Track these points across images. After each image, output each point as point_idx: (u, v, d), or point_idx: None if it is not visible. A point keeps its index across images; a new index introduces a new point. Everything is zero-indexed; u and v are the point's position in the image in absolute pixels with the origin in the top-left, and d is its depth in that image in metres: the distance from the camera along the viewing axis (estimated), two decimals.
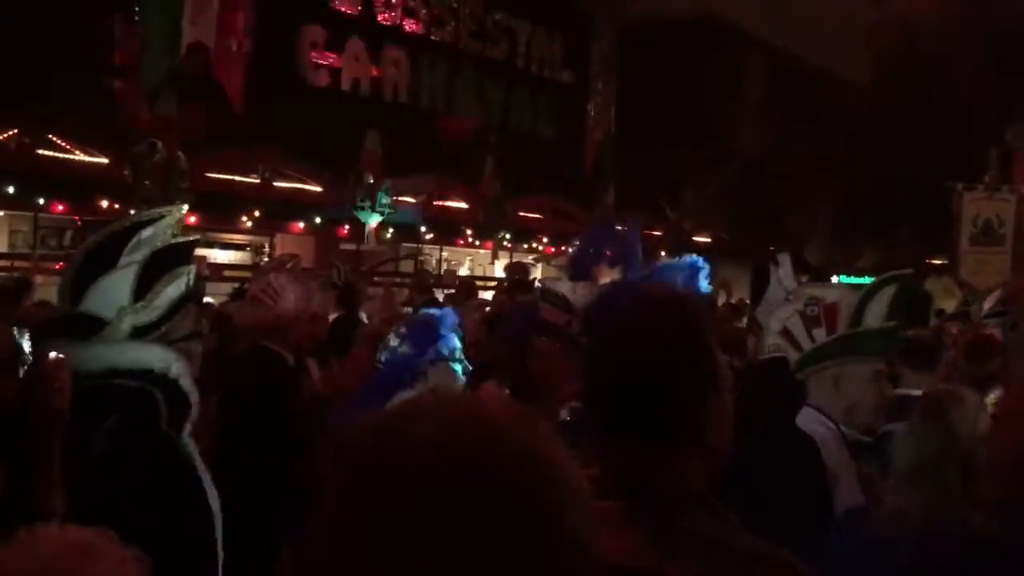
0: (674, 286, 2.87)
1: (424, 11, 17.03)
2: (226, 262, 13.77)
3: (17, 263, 11.29)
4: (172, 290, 2.43)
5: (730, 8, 18.58)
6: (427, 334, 3.31)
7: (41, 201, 11.51)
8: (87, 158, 12.06)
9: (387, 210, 13.96)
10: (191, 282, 2.51)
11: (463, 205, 16.77)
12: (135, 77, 10.93)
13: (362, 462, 0.83)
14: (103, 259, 2.39)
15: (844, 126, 19.96)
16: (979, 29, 16.27)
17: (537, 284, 4.26)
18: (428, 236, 16.08)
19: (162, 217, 2.49)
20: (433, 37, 17.23)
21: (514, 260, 14.84)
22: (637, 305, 1.50)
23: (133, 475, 2.23)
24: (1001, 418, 2.13)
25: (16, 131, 11.41)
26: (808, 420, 2.95)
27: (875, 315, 3.04)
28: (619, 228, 3.68)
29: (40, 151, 11.69)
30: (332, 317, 6.63)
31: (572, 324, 3.00)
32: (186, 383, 2.38)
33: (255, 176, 13.85)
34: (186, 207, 3.11)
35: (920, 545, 2.10)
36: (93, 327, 2.32)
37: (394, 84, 16.62)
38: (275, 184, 14.07)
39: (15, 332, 3.58)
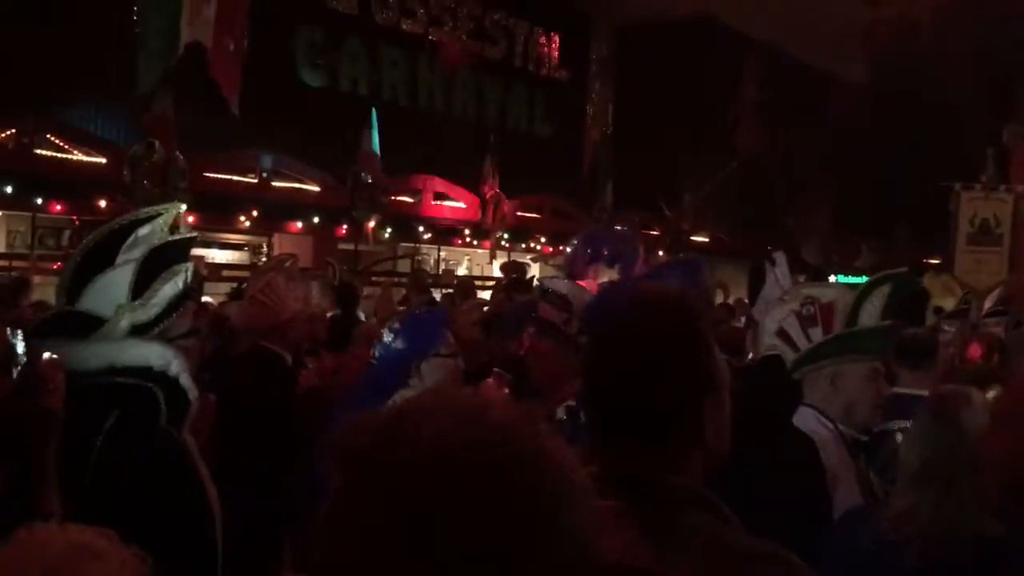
0: (672, 285, 2.87)
1: (422, 11, 17.02)
2: (224, 262, 13.73)
3: (15, 263, 11.25)
4: (170, 288, 2.42)
5: (728, 8, 18.56)
6: (419, 329, 3.31)
7: (39, 201, 11.49)
8: (85, 158, 12.05)
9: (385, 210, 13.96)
10: (189, 279, 2.51)
11: (461, 204, 16.77)
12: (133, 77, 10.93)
13: (364, 462, 0.83)
14: (101, 257, 2.39)
15: (841, 126, 19.96)
16: (975, 30, 16.29)
17: (536, 282, 4.27)
18: (426, 236, 16.08)
19: (159, 215, 2.49)
20: (431, 37, 17.23)
21: (511, 259, 14.82)
22: (635, 304, 1.49)
23: (133, 473, 2.23)
24: (999, 418, 2.12)
25: (14, 131, 11.41)
26: (807, 420, 2.94)
27: (870, 314, 3.04)
28: (617, 228, 3.68)
29: (38, 151, 11.69)
30: (329, 315, 6.61)
31: (571, 323, 3.00)
32: (185, 380, 2.38)
33: (253, 176, 13.86)
34: (184, 205, 3.11)
35: (927, 546, 2.09)
36: (91, 325, 2.33)
37: (392, 84, 16.62)
38: (273, 184, 14.08)
39: (8, 333, 3.58)
